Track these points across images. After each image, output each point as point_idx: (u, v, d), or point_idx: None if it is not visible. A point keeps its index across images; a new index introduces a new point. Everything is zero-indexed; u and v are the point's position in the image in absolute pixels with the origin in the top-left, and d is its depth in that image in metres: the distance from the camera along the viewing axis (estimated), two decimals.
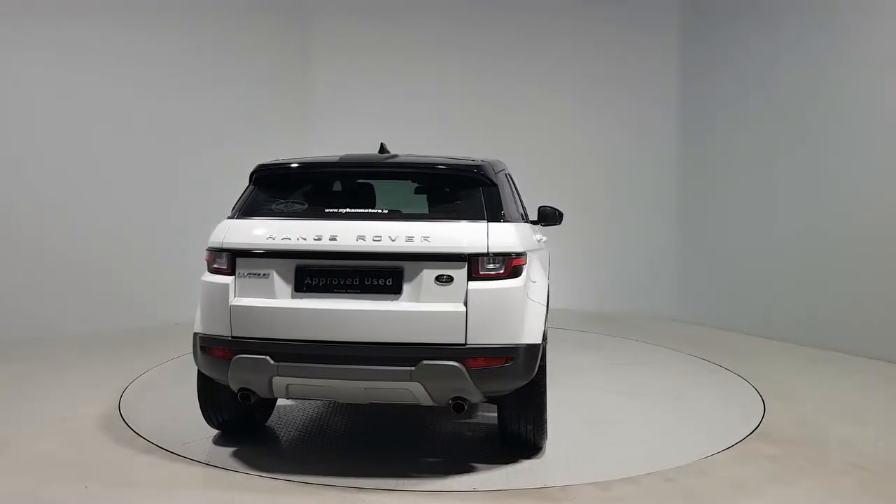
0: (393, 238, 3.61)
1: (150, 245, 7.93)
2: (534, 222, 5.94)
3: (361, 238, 3.63)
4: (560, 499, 3.52)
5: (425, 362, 3.49)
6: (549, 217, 5.90)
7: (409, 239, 3.60)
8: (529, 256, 3.94)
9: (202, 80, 8.41)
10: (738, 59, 8.23)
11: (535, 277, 3.98)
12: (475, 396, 3.64)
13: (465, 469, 3.89)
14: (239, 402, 3.86)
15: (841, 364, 6.50)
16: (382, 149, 4.39)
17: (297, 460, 4.00)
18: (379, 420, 4.73)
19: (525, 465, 3.95)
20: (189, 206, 7.96)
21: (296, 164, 4.13)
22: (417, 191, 4.23)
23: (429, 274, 3.59)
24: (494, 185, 3.97)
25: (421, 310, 3.55)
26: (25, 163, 7.30)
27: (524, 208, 5.99)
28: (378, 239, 3.62)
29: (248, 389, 3.72)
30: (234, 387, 3.75)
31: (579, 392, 5.56)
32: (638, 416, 4.95)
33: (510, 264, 3.66)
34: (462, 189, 3.94)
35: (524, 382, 3.73)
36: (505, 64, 9.37)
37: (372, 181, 4.43)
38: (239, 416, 4.24)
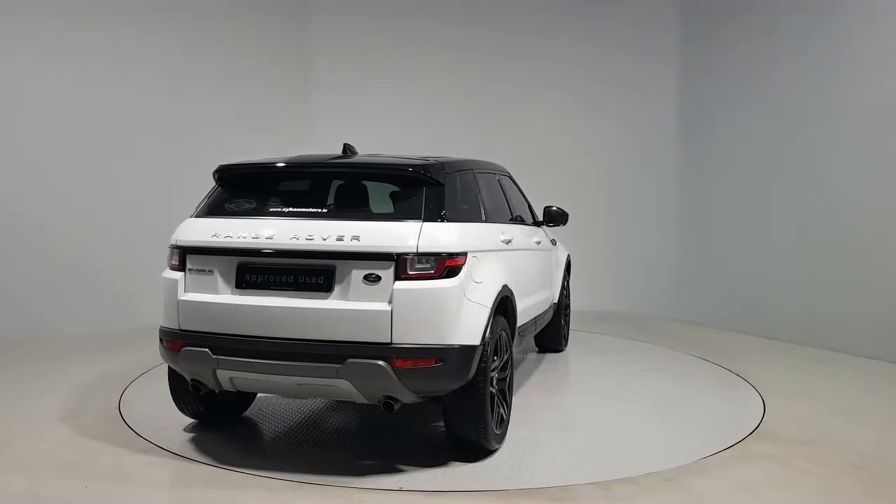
0: (324, 237, 3.67)
1: (151, 245, 7.88)
2: (539, 223, 5.97)
3: (295, 237, 3.71)
4: (560, 499, 3.52)
5: (351, 360, 3.54)
6: (554, 217, 5.93)
7: (340, 238, 3.66)
8: (480, 257, 3.97)
9: (202, 80, 8.40)
10: (737, 60, 8.23)
11: (480, 278, 3.92)
12: (406, 396, 3.67)
13: (460, 469, 3.89)
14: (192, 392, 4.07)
15: (841, 364, 6.49)
16: (345, 149, 4.39)
17: (298, 460, 4.00)
18: (378, 418, 4.73)
19: (472, 467, 3.89)
20: (189, 206, 7.83)
21: (248, 165, 4.23)
22: (364, 191, 4.21)
23: (358, 273, 3.63)
24: (441, 185, 3.94)
25: (348, 308, 3.60)
26: (27, 163, 7.30)
27: (528, 209, 5.97)
28: (311, 238, 3.69)
29: (199, 381, 3.90)
30: (187, 378, 3.96)
31: (576, 393, 5.55)
32: (637, 415, 4.95)
33: (442, 264, 3.65)
34: (406, 189, 3.94)
35: (459, 384, 3.74)
36: (504, 64, 9.36)
37: (319, 182, 4.40)
38: (210, 407, 4.40)
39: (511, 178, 5.84)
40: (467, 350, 3.71)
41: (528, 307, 5.10)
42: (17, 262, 7.25)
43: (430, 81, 9.33)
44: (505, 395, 4.26)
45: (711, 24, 8.71)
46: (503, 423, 4.20)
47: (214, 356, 3.74)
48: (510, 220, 5.23)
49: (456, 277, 3.69)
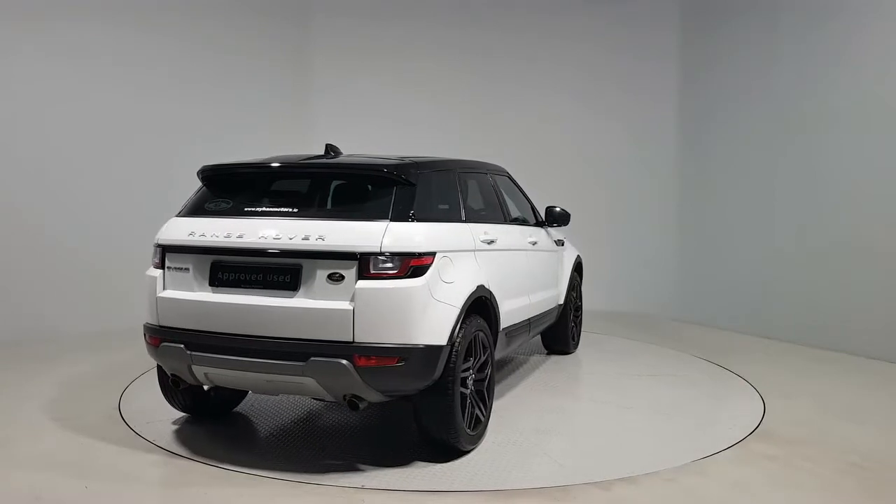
0: (291, 237, 3.73)
1: (151, 244, 7.91)
2: (541, 223, 5.95)
3: (264, 236, 3.78)
4: (560, 499, 3.52)
5: (314, 358, 3.59)
6: (556, 218, 5.93)
7: (306, 238, 3.70)
8: (453, 257, 3.97)
9: (202, 80, 8.40)
10: (737, 60, 8.23)
11: (451, 278, 3.91)
12: (370, 395, 3.71)
13: (462, 468, 3.89)
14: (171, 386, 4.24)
15: (841, 364, 6.49)
16: (328, 150, 4.41)
17: (299, 460, 4.00)
18: (378, 416, 4.73)
19: (441, 467, 3.89)
20: None
21: (226, 166, 4.28)
22: (336, 191, 4.23)
23: (322, 272, 3.67)
24: (412, 185, 3.94)
25: (312, 307, 3.64)
26: (27, 163, 7.30)
27: (531, 209, 5.94)
28: (278, 238, 3.76)
29: (178, 375, 4.02)
30: (168, 372, 4.10)
31: (570, 395, 5.55)
32: (637, 415, 4.95)
33: (407, 264, 3.66)
34: (377, 189, 3.95)
35: (424, 383, 3.76)
36: (504, 64, 9.35)
37: (293, 182, 4.39)
38: (198, 401, 4.51)
39: (510, 178, 5.82)
40: (432, 350, 3.72)
41: (518, 308, 5.04)
42: (16, 262, 7.25)
43: (431, 82, 9.32)
44: (483, 395, 4.26)
45: (712, 25, 8.71)
46: (480, 424, 4.19)
47: (189, 352, 3.84)
48: (504, 220, 5.18)
49: (422, 277, 3.70)
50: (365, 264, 3.62)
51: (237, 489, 3.62)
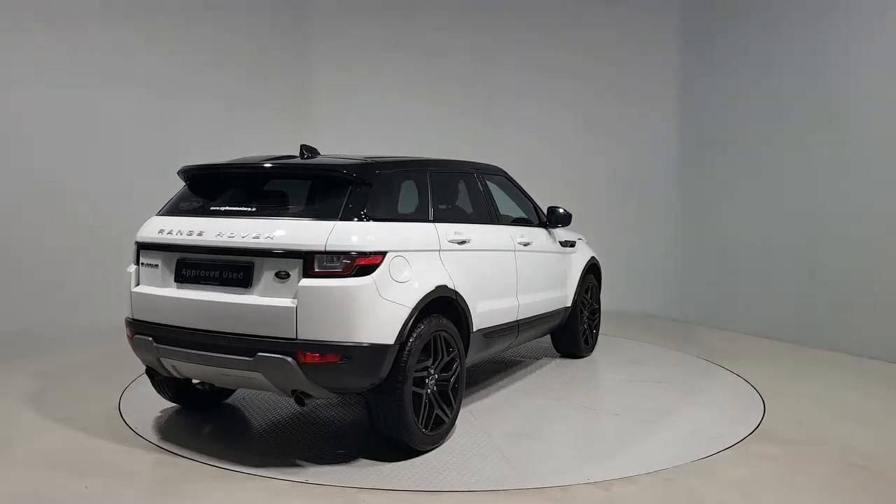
0: (244, 235, 3.84)
1: None
2: (543, 224, 5.91)
3: (220, 234, 3.91)
4: (560, 499, 3.52)
5: (260, 354, 3.68)
6: (557, 218, 5.89)
7: (257, 236, 3.81)
8: (410, 257, 4.00)
9: (202, 80, 8.40)
10: (738, 60, 8.23)
11: (404, 278, 3.93)
12: (315, 391, 3.78)
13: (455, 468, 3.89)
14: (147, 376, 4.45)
15: (841, 364, 6.49)
16: (302, 151, 4.44)
17: (299, 460, 4.00)
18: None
19: (392, 466, 3.89)
20: None
21: (198, 167, 4.40)
22: (295, 190, 4.27)
23: (271, 270, 3.77)
24: (368, 185, 3.99)
25: (260, 303, 3.75)
26: (29, 161, 7.31)
27: (533, 210, 5.85)
28: (232, 236, 3.88)
29: (152, 367, 4.22)
30: (143, 364, 4.29)
31: (557, 398, 5.55)
32: (637, 415, 4.95)
33: (352, 263, 3.70)
34: (333, 189, 4.00)
35: (369, 382, 3.81)
36: (504, 65, 9.35)
37: (255, 182, 4.42)
38: (182, 391, 4.69)
39: (508, 178, 5.75)
40: (377, 349, 3.75)
41: (501, 309, 4.98)
42: (16, 261, 7.26)
43: (430, 83, 9.32)
44: (448, 396, 4.26)
45: (712, 26, 8.71)
46: (442, 424, 4.19)
47: (156, 345, 4.02)
48: (491, 220, 5.14)
49: (368, 276, 3.73)
50: (310, 263, 3.69)
51: (237, 489, 3.62)
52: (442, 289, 4.20)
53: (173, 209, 4.34)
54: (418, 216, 4.39)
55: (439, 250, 4.34)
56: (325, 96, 9.19)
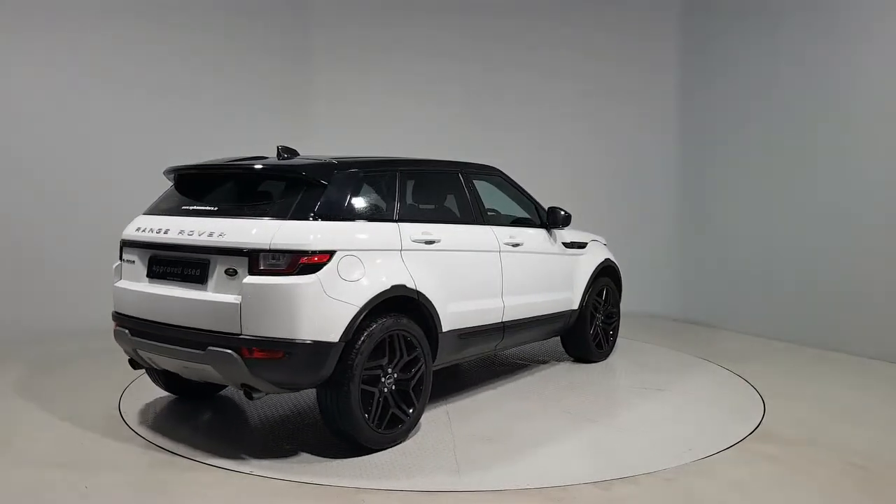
0: (200, 233, 4.00)
1: None
2: (542, 224, 5.86)
3: (182, 233, 4.09)
4: (560, 499, 3.52)
5: (210, 348, 3.83)
6: (556, 219, 5.84)
7: (211, 234, 3.96)
8: (363, 256, 4.03)
9: (201, 80, 8.40)
10: (738, 60, 8.23)
11: (354, 277, 3.96)
12: (261, 386, 3.87)
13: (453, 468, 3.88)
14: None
15: (841, 364, 6.50)
16: (279, 152, 4.50)
17: (299, 460, 4.00)
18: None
19: (339, 463, 3.94)
20: None
21: (175, 168, 4.59)
22: (254, 190, 4.37)
23: (222, 267, 3.91)
24: (323, 185, 4.06)
25: (209, 299, 3.90)
26: (30, 159, 7.32)
27: (534, 209, 5.78)
28: (190, 234, 4.05)
29: (133, 357, 4.45)
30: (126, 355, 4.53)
31: (559, 399, 5.55)
32: (637, 415, 4.95)
33: (296, 261, 3.78)
34: (288, 189, 4.10)
35: (314, 379, 3.88)
36: (505, 65, 9.35)
37: (220, 183, 4.52)
38: (171, 381, 4.85)
39: (505, 179, 5.68)
40: (320, 346, 3.80)
41: (480, 310, 4.91)
42: (16, 260, 7.26)
43: (431, 83, 9.32)
44: (409, 396, 4.27)
45: (712, 26, 8.70)
46: (400, 424, 4.20)
47: (132, 336, 4.27)
48: (476, 220, 5.07)
49: (313, 275, 3.80)
50: (255, 261, 3.79)
51: (237, 488, 3.62)
52: (399, 288, 4.21)
53: (153, 208, 4.55)
54: (381, 216, 4.39)
55: (401, 250, 4.34)
56: (325, 96, 9.19)
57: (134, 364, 4.53)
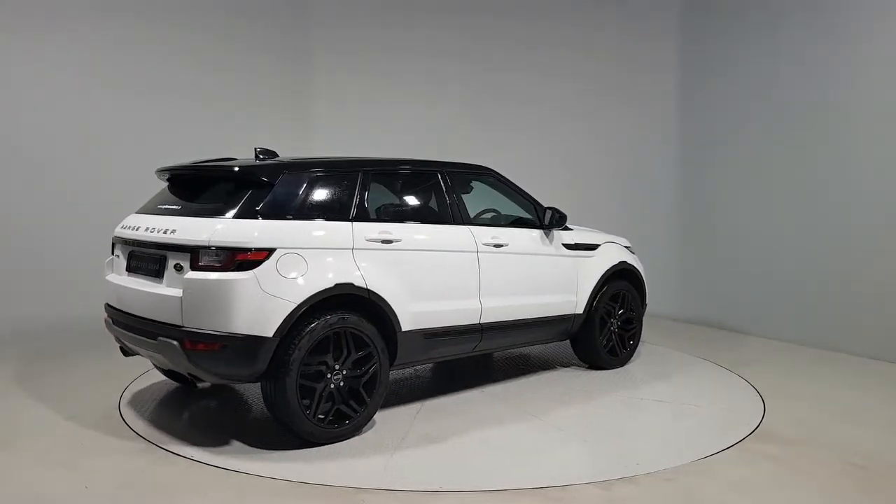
0: (159, 231, 4.27)
1: None
2: (541, 225, 5.79)
3: (148, 230, 4.37)
4: (560, 499, 3.52)
5: (160, 338, 4.09)
6: (551, 220, 5.78)
7: (166, 232, 4.22)
8: (307, 255, 4.15)
9: (201, 80, 8.41)
10: (739, 62, 8.22)
11: (293, 274, 4.07)
12: (202, 375, 4.14)
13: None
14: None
15: (841, 364, 6.50)
16: (257, 154, 4.64)
17: (299, 460, 4.00)
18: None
19: (274, 454, 4.05)
20: None
21: (160, 169, 4.83)
22: (211, 190, 4.54)
23: (172, 262, 4.15)
24: (270, 185, 4.24)
25: (160, 292, 4.14)
26: (30, 158, 7.32)
27: (534, 209, 5.71)
28: (152, 231, 4.32)
29: (121, 345, 4.75)
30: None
31: (537, 403, 5.54)
32: (637, 415, 4.95)
33: (232, 258, 3.96)
34: (239, 188, 4.30)
35: (251, 371, 4.04)
36: (504, 65, 9.36)
37: (188, 183, 4.75)
38: (174, 370, 4.90)
39: (499, 179, 5.60)
40: (254, 340, 3.96)
41: (451, 311, 4.86)
42: (16, 260, 7.26)
43: (430, 83, 9.33)
44: (358, 393, 4.31)
45: (712, 26, 8.70)
46: (348, 420, 4.26)
47: (114, 326, 4.59)
48: (454, 220, 5.03)
49: (249, 271, 3.96)
50: (195, 257, 4.00)
51: (237, 488, 3.62)
52: (346, 286, 4.26)
53: (142, 207, 4.81)
54: (334, 215, 4.42)
55: (352, 249, 4.38)
56: (325, 96, 9.19)
57: (124, 351, 4.82)
